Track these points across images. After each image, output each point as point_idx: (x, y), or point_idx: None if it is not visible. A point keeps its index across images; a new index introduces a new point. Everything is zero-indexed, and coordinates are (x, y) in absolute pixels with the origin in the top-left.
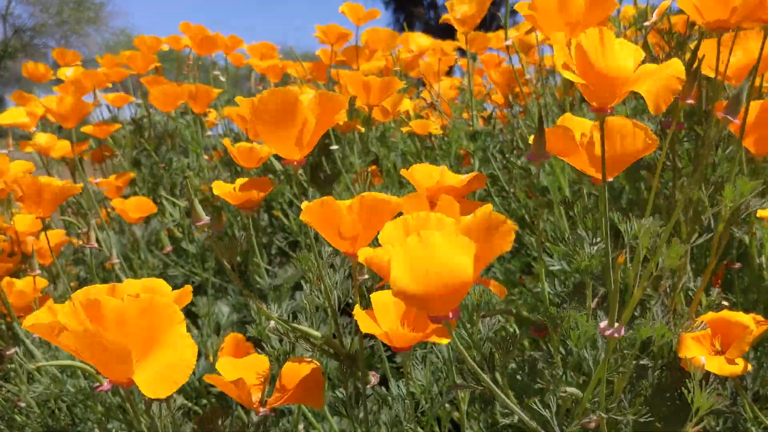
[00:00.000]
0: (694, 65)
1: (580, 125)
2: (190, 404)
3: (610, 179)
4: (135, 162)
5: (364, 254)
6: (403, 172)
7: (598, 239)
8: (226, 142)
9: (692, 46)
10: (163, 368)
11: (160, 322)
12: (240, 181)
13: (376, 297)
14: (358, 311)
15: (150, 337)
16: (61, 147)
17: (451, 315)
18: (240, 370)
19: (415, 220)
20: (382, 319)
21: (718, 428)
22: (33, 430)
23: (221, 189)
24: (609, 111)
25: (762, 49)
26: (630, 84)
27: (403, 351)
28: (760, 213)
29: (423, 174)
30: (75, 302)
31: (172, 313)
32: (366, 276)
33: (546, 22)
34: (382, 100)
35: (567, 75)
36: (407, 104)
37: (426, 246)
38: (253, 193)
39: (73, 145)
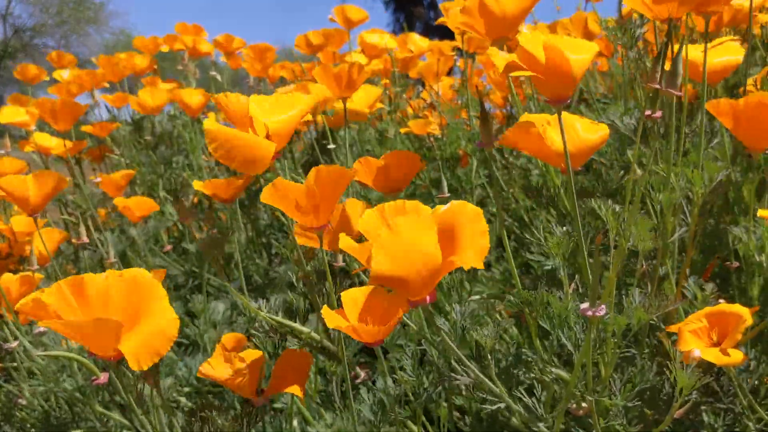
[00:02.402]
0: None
1: (540, 121)
2: (189, 404)
3: (578, 168)
4: (135, 161)
5: (343, 243)
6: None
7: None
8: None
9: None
10: (145, 339)
11: (143, 298)
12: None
13: (346, 294)
14: (325, 309)
15: (133, 312)
16: (57, 146)
17: (428, 299)
18: (234, 361)
19: (392, 208)
20: (352, 314)
21: (716, 425)
22: (32, 426)
23: (200, 185)
24: (564, 102)
25: (705, 43)
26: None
27: (373, 345)
28: (761, 213)
29: None
30: (60, 282)
31: (154, 289)
32: (342, 263)
33: (480, 25)
34: (354, 90)
35: (517, 73)
36: (378, 105)
37: (395, 232)
38: (231, 181)
39: (69, 145)
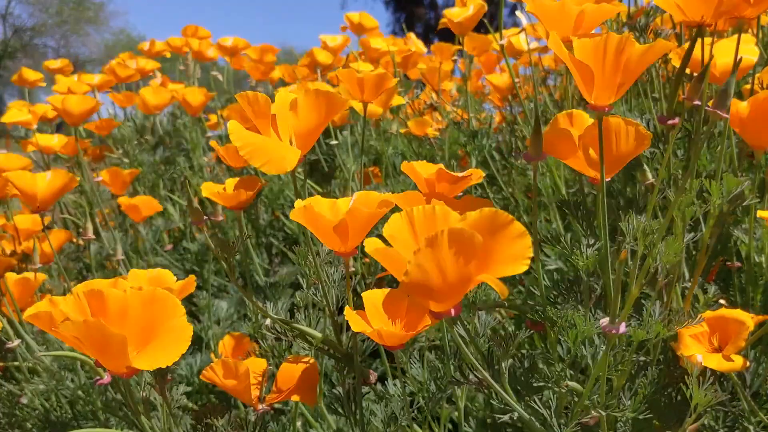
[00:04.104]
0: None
1: (580, 121)
2: (191, 404)
3: (608, 178)
4: (136, 160)
5: (371, 246)
6: (403, 165)
7: (593, 239)
8: (214, 143)
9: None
10: (157, 353)
11: (162, 314)
12: (231, 181)
13: (367, 296)
14: (348, 311)
15: (151, 328)
16: (61, 144)
17: (453, 311)
18: (238, 368)
19: (420, 214)
20: (373, 317)
21: (717, 427)
22: (33, 425)
23: (210, 190)
24: (607, 109)
25: (737, 46)
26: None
27: (395, 349)
28: (760, 213)
29: (422, 167)
30: (78, 293)
31: (174, 306)
32: (353, 268)
33: (549, 20)
34: (376, 96)
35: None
36: (398, 99)
37: (433, 244)
38: (241, 192)
39: (77, 142)
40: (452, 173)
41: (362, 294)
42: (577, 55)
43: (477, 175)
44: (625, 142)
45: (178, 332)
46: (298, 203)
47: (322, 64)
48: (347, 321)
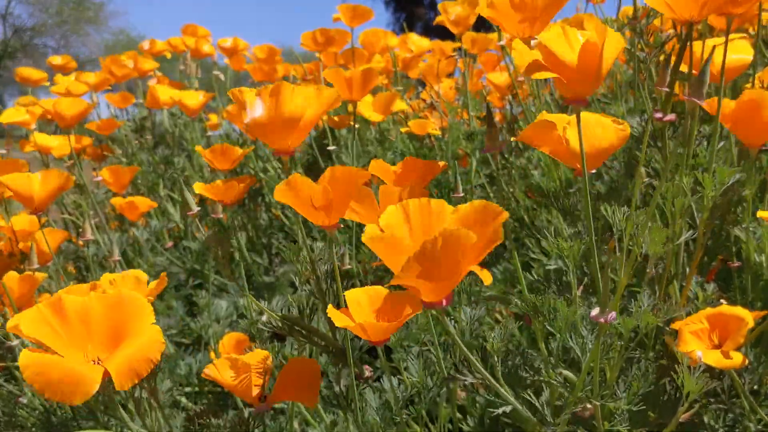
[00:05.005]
0: (672, 57)
1: (560, 121)
2: (190, 404)
3: (592, 171)
4: (136, 160)
5: (368, 235)
6: (371, 165)
7: (580, 229)
8: (198, 148)
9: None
10: (125, 361)
11: (128, 316)
12: (221, 182)
13: (350, 295)
14: (330, 309)
15: (119, 330)
16: (61, 145)
17: (444, 302)
18: (240, 365)
19: (415, 206)
20: (357, 315)
21: (717, 425)
22: (33, 425)
23: (203, 187)
24: (584, 102)
25: (726, 44)
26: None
27: (381, 344)
28: (760, 214)
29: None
30: (39, 304)
31: (141, 307)
32: (349, 266)
33: (506, 20)
34: (364, 94)
35: (538, 75)
36: (400, 104)
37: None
38: (233, 184)
39: (73, 143)
40: (421, 160)
41: (345, 293)
42: (542, 51)
43: (442, 163)
44: (604, 135)
45: (144, 343)
46: (281, 184)
47: None
48: None
